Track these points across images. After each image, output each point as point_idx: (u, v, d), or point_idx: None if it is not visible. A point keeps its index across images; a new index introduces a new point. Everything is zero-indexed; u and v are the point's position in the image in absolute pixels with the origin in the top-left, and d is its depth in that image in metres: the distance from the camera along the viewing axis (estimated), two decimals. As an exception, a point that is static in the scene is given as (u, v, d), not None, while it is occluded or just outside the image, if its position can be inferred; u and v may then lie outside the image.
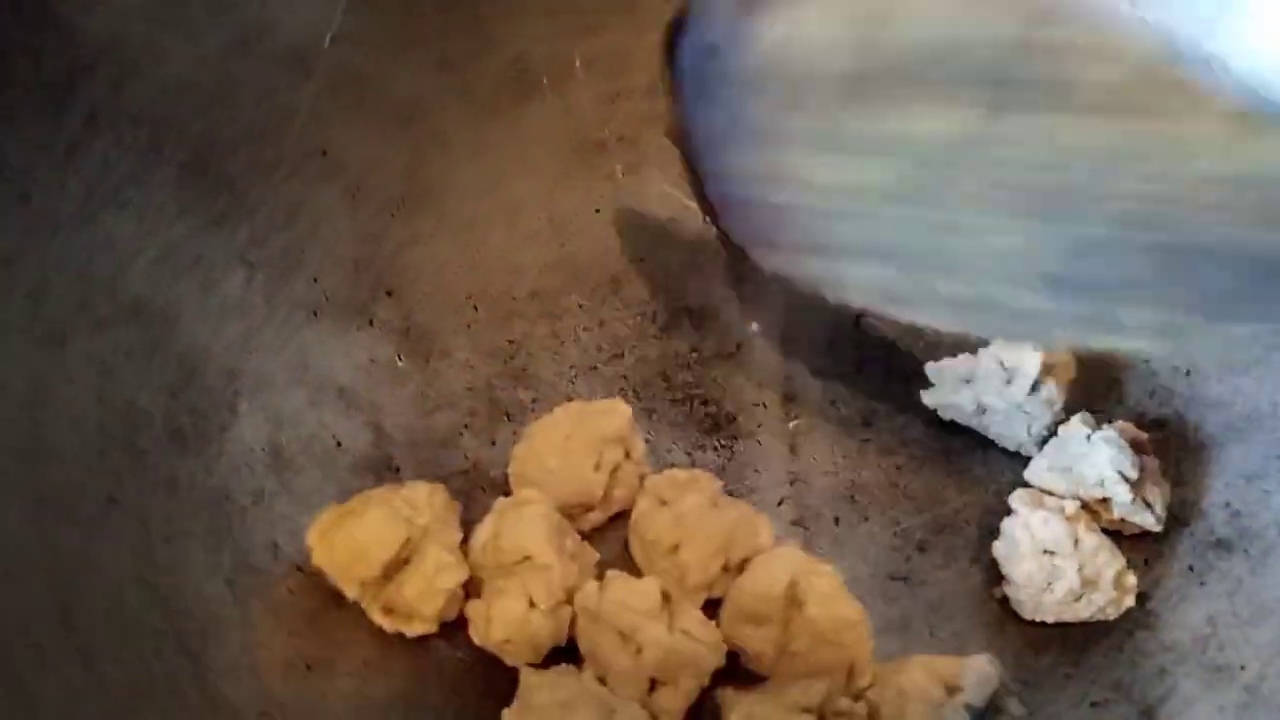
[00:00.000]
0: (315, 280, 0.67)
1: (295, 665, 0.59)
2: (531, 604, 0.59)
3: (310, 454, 0.65)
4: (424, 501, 0.61)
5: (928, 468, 0.68)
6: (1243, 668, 0.61)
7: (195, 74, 0.65)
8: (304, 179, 0.68)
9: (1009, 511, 0.64)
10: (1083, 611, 0.62)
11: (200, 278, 0.64)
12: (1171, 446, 0.67)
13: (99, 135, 0.61)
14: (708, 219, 0.64)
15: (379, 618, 0.60)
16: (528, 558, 0.60)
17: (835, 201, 0.57)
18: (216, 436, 0.62)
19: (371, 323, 0.68)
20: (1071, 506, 0.64)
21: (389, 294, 0.69)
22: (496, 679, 0.61)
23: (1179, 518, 0.65)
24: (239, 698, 0.57)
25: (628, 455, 0.65)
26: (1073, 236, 0.53)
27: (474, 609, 0.61)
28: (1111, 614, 0.62)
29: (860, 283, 0.60)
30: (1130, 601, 0.62)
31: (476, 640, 0.60)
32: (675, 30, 0.59)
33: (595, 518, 0.65)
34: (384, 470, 0.66)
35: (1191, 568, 0.64)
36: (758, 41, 0.56)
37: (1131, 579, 0.63)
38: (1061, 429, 0.66)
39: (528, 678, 0.58)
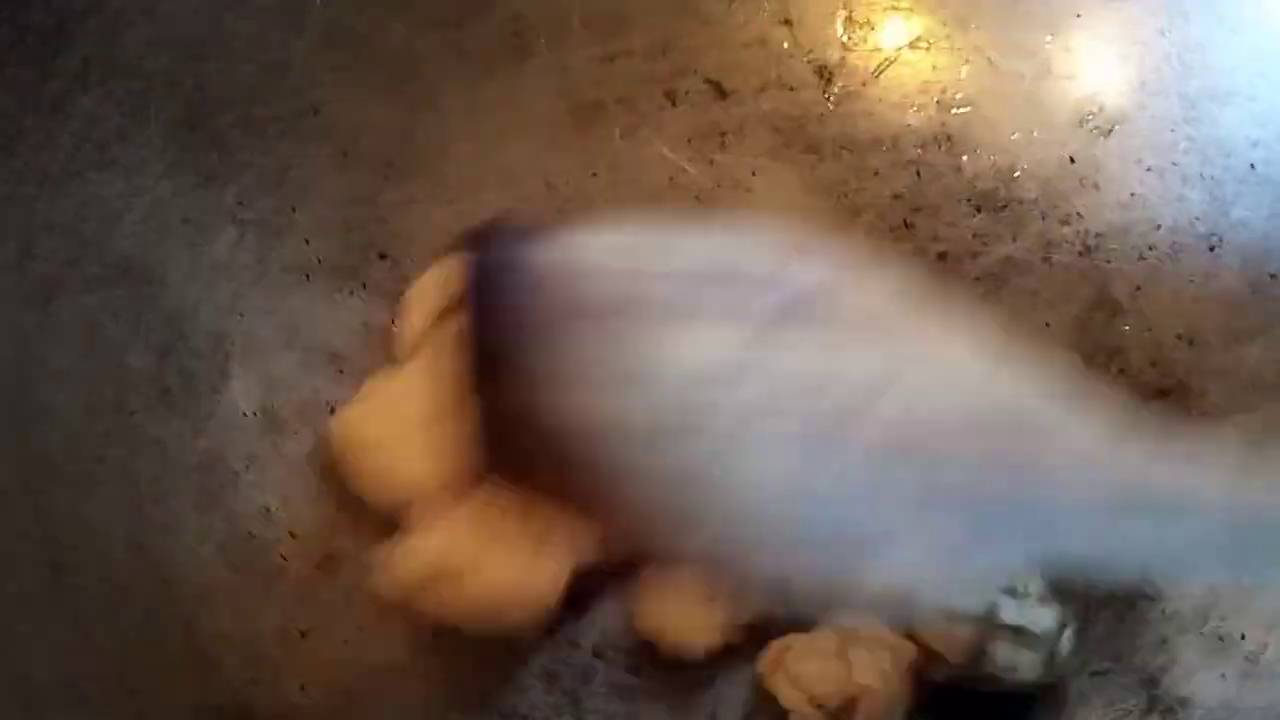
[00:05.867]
0: (307, 242, 0.66)
1: (288, 632, 0.59)
2: None
3: (304, 419, 0.64)
4: None
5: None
6: (1243, 637, 0.61)
7: (187, 27, 0.64)
8: (295, 138, 0.66)
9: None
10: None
11: (189, 237, 0.63)
12: (1175, 418, 0.67)
13: (87, 89, 0.61)
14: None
15: None
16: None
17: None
18: (207, 399, 0.62)
19: (365, 286, 0.67)
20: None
21: (382, 257, 0.68)
22: (493, 646, 0.60)
23: (1181, 487, 0.65)
24: (231, 662, 0.57)
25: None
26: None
27: None
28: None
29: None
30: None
31: None
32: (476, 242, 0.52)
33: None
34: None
35: (1193, 537, 0.64)
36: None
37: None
38: None
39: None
